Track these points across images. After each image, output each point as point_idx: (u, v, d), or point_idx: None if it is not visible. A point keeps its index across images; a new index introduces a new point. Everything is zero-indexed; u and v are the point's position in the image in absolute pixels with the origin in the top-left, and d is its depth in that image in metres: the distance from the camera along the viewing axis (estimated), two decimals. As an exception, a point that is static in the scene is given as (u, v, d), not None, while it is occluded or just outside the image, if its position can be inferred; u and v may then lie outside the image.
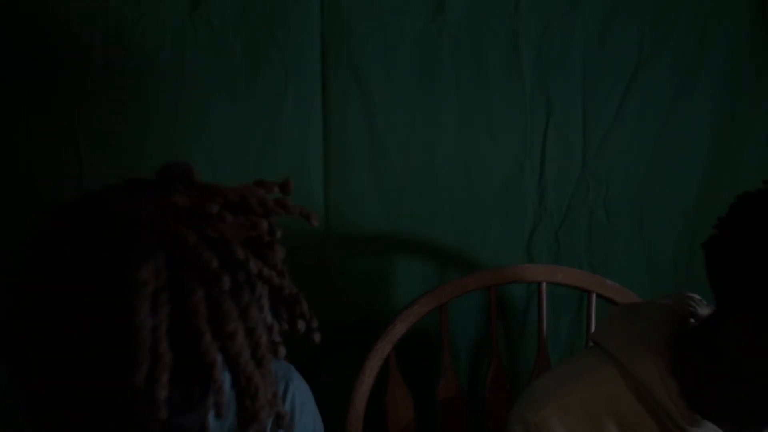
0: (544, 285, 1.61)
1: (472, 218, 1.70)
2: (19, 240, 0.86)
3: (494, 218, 1.71)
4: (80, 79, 1.54)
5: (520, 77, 1.69)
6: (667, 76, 1.74)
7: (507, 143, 1.70)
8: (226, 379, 0.84)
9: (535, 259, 1.73)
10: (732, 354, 1.05)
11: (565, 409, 1.13)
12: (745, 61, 1.76)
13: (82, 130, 1.55)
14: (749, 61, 1.76)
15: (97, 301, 0.79)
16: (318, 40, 1.61)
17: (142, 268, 0.79)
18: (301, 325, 0.90)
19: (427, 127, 1.67)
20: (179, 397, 0.84)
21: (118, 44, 1.54)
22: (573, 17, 1.69)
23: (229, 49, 1.58)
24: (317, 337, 0.92)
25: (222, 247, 0.82)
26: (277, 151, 1.62)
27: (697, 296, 1.21)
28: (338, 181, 1.65)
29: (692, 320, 1.17)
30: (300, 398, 1.13)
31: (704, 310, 1.19)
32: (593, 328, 1.60)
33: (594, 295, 1.62)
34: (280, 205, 0.89)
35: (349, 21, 1.62)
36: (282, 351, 0.90)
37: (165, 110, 1.57)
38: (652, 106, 1.75)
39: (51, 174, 1.56)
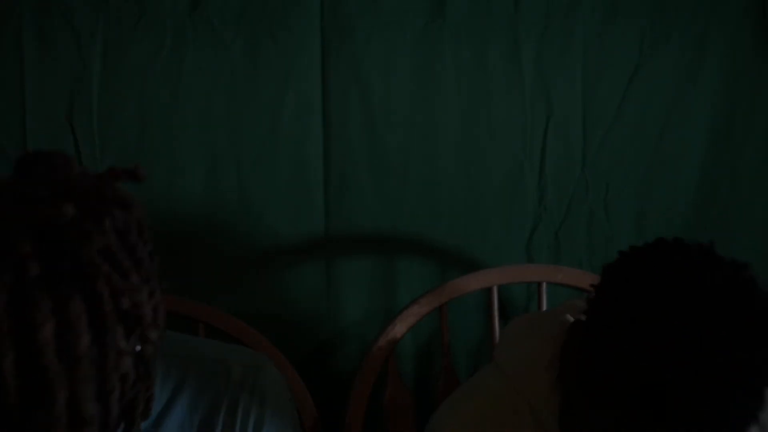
0: (544, 285, 1.61)
1: (473, 218, 1.70)
2: None
3: (494, 218, 1.71)
4: (79, 78, 1.54)
5: (520, 77, 1.69)
6: (667, 76, 1.74)
7: (507, 143, 1.70)
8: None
9: (535, 259, 1.73)
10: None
11: (462, 429, 1.10)
12: (744, 62, 1.76)
13: (81, 130, 1.55)
14: (749, 61, 1.76)
15: None
16: (318, 40, 1.61)
17: None
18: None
19: (427, 127, 1.67)
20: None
21: (118, 44, 1.54)
22: (573, 17, 1.69)
23: (229, 49, 1.58)
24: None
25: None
26: (277, 151, 1.62)
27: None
28: (338, 181, 1.65)
29: None
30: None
31: None
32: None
33: (594, 295, 1.61)
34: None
35: (349, 21, 1.61)
36: None
37: (165, 110, 1.57)
38: (652, 105, 1.74)
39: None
